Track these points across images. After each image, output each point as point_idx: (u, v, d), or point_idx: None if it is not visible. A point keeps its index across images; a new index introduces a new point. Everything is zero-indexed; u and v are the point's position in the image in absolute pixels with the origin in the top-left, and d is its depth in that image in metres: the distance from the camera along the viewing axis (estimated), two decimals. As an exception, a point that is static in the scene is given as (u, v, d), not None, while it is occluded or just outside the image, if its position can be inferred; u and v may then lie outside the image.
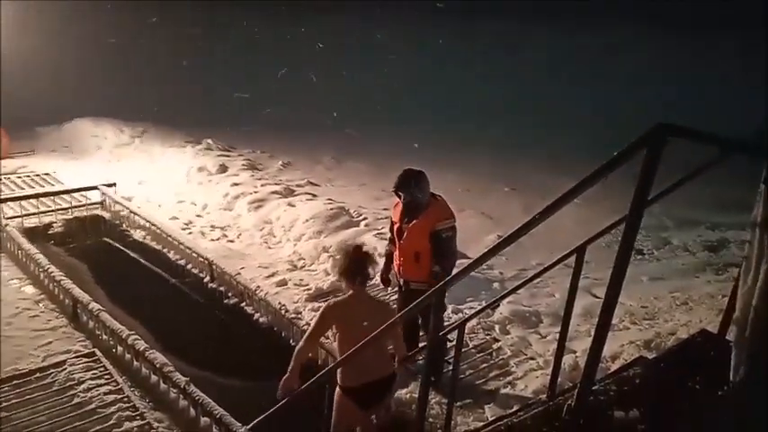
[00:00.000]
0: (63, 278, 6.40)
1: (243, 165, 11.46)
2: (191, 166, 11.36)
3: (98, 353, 5.40)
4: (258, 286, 6.51)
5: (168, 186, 10.66)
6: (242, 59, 20.11)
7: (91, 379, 5.04)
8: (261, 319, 6.29)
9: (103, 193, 9.26)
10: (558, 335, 3.57)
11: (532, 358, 5.43)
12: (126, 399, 4.80)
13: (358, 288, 3.61)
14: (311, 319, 5.83)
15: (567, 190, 2.02)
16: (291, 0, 22.22)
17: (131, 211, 8.75)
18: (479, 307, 5.06)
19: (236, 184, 10.16)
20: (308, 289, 6.73)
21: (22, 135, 12.99)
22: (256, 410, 3.84)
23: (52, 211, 8.85)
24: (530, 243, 6.86)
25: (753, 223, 2.00)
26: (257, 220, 8.88)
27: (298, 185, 10.56)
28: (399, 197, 4.88)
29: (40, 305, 6.37)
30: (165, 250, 7.98)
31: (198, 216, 9.37)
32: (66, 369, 5.15)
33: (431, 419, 4.49)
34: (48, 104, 14.51)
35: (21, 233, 7.80)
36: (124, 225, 8.85)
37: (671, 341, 5.17)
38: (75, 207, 9.11)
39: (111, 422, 4.53)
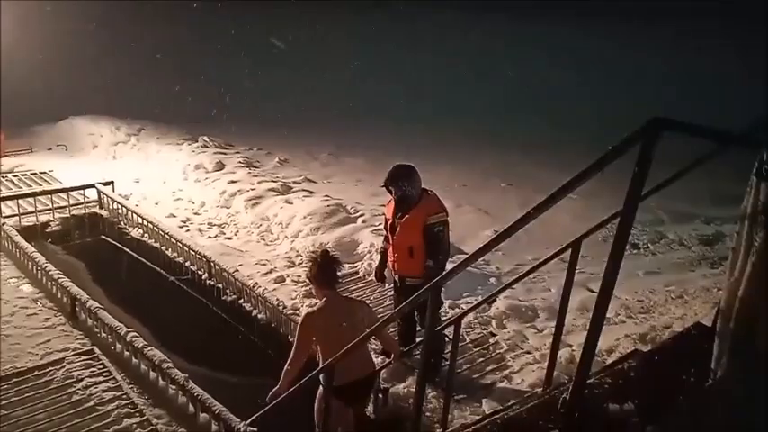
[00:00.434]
0: (61, 276, 6.41)
1: (240, 162, 11.45)
2: (188, 163, 11.36)
3: (96, 350, 5.42)
4: (256, 283, 6.52)
5: (165, 184, 10.66)
6: (240, 56, 20.05)
7: (89, 376, 5.05)
8: (259, 316, 6.31)
9: (101, 192, 9.25)
10: (554, 329, 3.61)
11: (529, 352, 5.46)
12: (125, 396, 4.81)
13: (329, 292, 3.70)
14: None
15: (562, 184, 2.04)
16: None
17: (129, 209, 8.75)
18: (476, 302, 5.10)
19: (233, 182, 10.16)
20: (306, 285, 6.75)
21: (19, 133, 12.98)
22: (255, 406, 3.87)
23: (50, 209, 8.84)
24: (526, 238, 6.91)
25: (741, 215, 2.02)
26: (254, 218, 8.89)
27: (295, 182, 10.57)
28: (391, 192, 4.92)
29: (38, 303, 6.37)
30: (162, 248, 7.98)
31: (195, 214, 9.38)
32: (64, 367, 5.16)
33: (428, 413, 4.52)
34: (44, 103, 14.48)
35: (18, 232, 7.79)
36: (122, 223, 8.85)
37: (666, 335, 5.20)
38: (73, 205, 9.10)
39: (110, 419, 4.55)
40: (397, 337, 5.39)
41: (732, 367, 2.09)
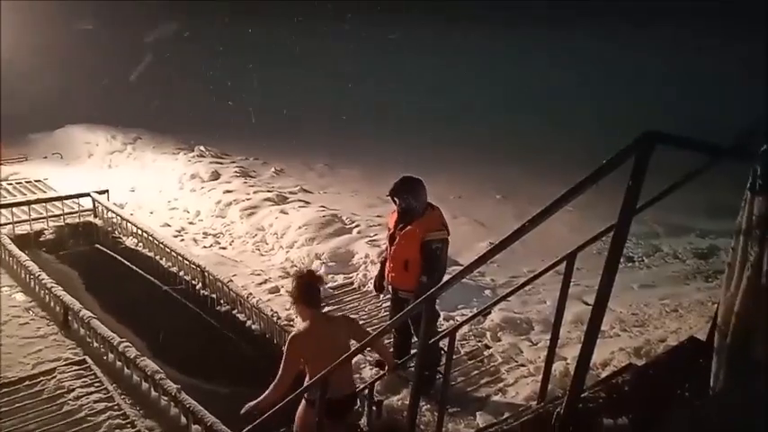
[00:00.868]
0: (54, 285, 6.38)
1: (235, 172, 11.44)
2: (183, 172, 11.34)
3: (89, 360, 5.38)
4: (250, 293, 6.50)
5: (161, 193, 10.64)
6: (239, 65, 20.11)
7: (81, 387, 5.02)
8: (253, 326, 6.28)
9: (95, 200, 9.22)
10: (549, 342, 3.60)
11: (523, 365, 5.45)
12: (116, 407, 4.78)
13: (313, 312, 3.69)
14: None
15: (557, 197, 2.04)
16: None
17: (123, 218, 8.72)
18: (471, 314, 5.09)
19: (228, 191, 10.14)
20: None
21: (15, 142, 12.94)
22: (248, 418, 3.84)
23: (44, 218, 8.81)
24: (522, 250, 6.91)
25: (737, 230, 2.02)
26: (250, 228, 8.87)
27: (290, 192, 10.56)
28: (395, 203, 4.90)
29: (31, 312, 6.34)
30: (157, 257, 7.95)
31: (190, 223, 9.35)
32: (56, 377, 5.13)
33: (422, 426, 4.50)
34: (40, 111, 14.47)
35: (12, 240, 7.76)
36: (116, 232, 8.82)
37: (661, 348, 5.20)
38: (67, 214, 9.06)
39: (102, 430, 4.52)
40: (391, 349, 5.38)
41: (729, 381, 2.09)
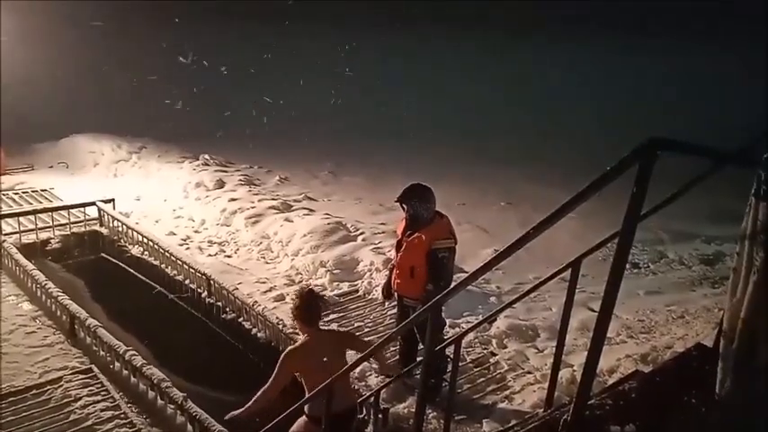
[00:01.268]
0: (60, 294, 6.39)
1: (240, 180, 11.48)
2: (188, 181, 11.38)
3: (95, 369, 5.39)
4: (256, 301, 6.51)
5: (166, 202, 10.68)
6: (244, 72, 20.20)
7: (88, 395, 5.02)
8: (259, 334, 6.29)
9: (101, 209, 9.26)
10: (555, 349, 3.59)
11: (530, 372, 5.43)
12: (123, 415, 4.78)
13: (312, 329, 3.76)
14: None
15: (560, 205, 2.04)
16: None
17: (129, 227, 8.76)
18: (476, 321, 5.08)
19: (233, 200, 10.17)
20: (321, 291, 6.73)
21: (21, 151, 13.03)
22: (254, 426, 3.85)
23: (50, 227, 8.85)
24: (527, 257, 6.91)
25: (741, 235, 2.02)
26: (255, 236, 8.89)
27: (295, 200, 10.59)
28: (403, 209, 4.91)
29: (37, 321, 6.35)
30: (162, 266, 7.98)
31: (195, 231, 9.38)
32: (62, 386, 5.13)
33: (428, 434, 4.48)
34: (46, 121, 14.56)
35: (18, 249, 7.79)
36: (122, 241, 8.85)
37: (667, 355, 5.17)
38: (73, 223, 9.11)
39: (108, 439, 4.52)
40: (397, 357, 5.38)
41: (736, 387, 2.08)
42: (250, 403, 3.66)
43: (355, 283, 7.29)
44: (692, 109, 15.76)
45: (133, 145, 13.70)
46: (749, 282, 1.98)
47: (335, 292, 7.07)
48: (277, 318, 6.08)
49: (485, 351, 5.84)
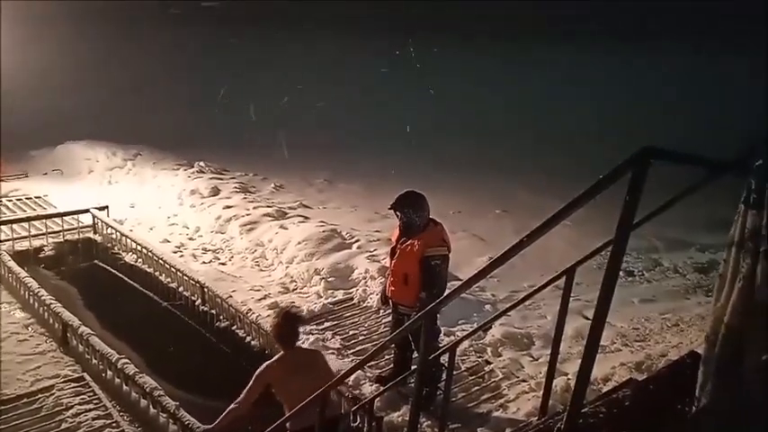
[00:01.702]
0: (53, 302, 6.36)
1: (235, 187, 11.46)
2: (183, 188, 11.36)
3: (87, 377, 5.36)
4: (250, 309, 6.49)
5: (160, 209, 10.64)
6: (239, 80, 20.24)
7: (79, 404, 5.00)
8: (252, 342, 6.27)
9: (95, 216, 9.23)
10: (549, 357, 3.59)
11: (524, 380, 5.42)
12: (115, 424, 4.76)
13: (288, 348, 3.85)
14: (302, 343, 5.84)
15: (554, 213, 2.04)
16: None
17: (123, 234, 8.72)
18: (471, 329, 5.08)
19: (228, 207, 10.15)
20: (300, 312, 6.70)
21: (16, 158, 12.97)
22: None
23: (43, 234, 8.81)
24: (521, 265, 6.90)
25: (729, 242, 2.04)
26: (249, 243, 8.87)
27: (290, 208, 10.57)
28: (397, 217, 4.91)
29: (30, 329, 6.33)
30: (156, 273, 7.94)
31: (190, 239, 9.35)
32: (54, 394, 5.11)
33: (423, 443, 4.46)
34: (41, 128, 14.53)
35: (11, 257, 7.75)
36: (116, 248, 8.81)
37: (662, 363, 5.18)
38: (67, 230, 9.06)
39: (100, 448, 4.49)
40: (392, 365, 5.37)
41: (718, 393, 2.09)
42: (221, 417, 3.73)
43: (350, 291, 7.28)
44: (691, 109, 15.84)
45: (128, 152, 13.66)
46: (734, 287, 1.99)
47: (330, 300, 7.05)
48: (271, 326, 6.05)
49: (479, 359, 5.83)
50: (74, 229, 9.15)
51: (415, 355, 5.11)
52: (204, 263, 8.40)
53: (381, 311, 6.41)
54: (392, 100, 19.52)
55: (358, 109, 18.65)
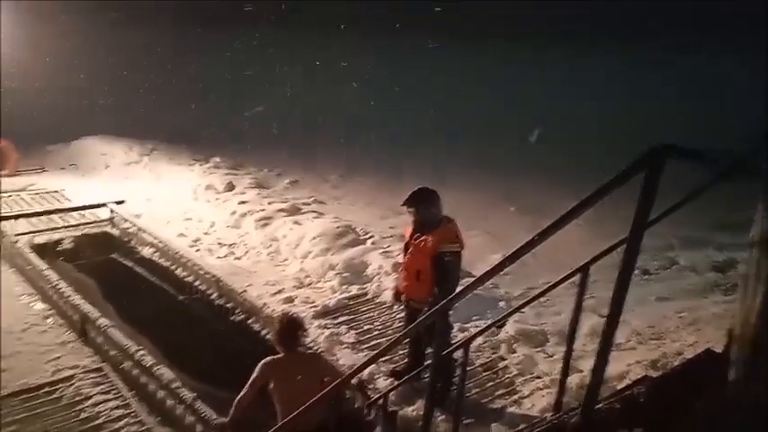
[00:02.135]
0: (72, 294, 6.46)
1: (250, 183, 11.54)
2: (198, 184, 11.46)
3: (106, 368, 5.44)
4: (265, 303, 6.55)
5: (176, 204, 10.74)
6: (251, 77, 20.33)
7: (99, 394, 5.08)
8: (267, 336, 6.31)
9: (112, 211, 9.34)
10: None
11: (539, 377, 5.43)
12: (133, 414, 4.83)
13: (289, 351, 3.95)
14: (317, 337, 5.90)
15: (566, 211, 2.06)
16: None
17: (140, 229, 8.82)
18: (485, 325, 5.09)
19: (243, 202, 10.23)
20: (315, 306, 6.77)
21: (33, 153, 13.14)
22: (264, 426, 3.88)
23: (62, 227, 8.94)
24: (533, 263, 6.89)
25: (751, 242, 2.03)
26: (264, 238, 8.93)
27: (304, 203, 10.62)
28: (410, 213, 4.93)
29: (49, 321, 6.43)
30: (172, 267, 8.02)
31: (205, 233, 9.42)
32: (74, 384, 5.20)
33: (436, 438, 4.49)
34: (58, 123, 14.69)
35: (31, 249, 7.87)
36: (132, 242, 8.91)
37: (677, 361, 5.15)
38: (85, 224, 9.19)
39: (119, 437, 4.56)
40: (406, 359, 5.40)
41: (746, 394, 2.09)
42: (233, 410, 3.88)
43: (364, 286, 7.31)
44: (691, 109, 15.70)
45: (144, 147, 13.80)
46: (758, 288, 1.99)
47: (344, 295, 7.09)
48: (286, 320, 6.10)
49: (494, 355, 5.84)
50: (91, 222, 9.27)
51: (429, 349, 5.14)
52: (219, 257, 8.47)
53: (396, 307, 6.44)
54: (406, 98, 19.51)
55: (372, 107, 18.65)
